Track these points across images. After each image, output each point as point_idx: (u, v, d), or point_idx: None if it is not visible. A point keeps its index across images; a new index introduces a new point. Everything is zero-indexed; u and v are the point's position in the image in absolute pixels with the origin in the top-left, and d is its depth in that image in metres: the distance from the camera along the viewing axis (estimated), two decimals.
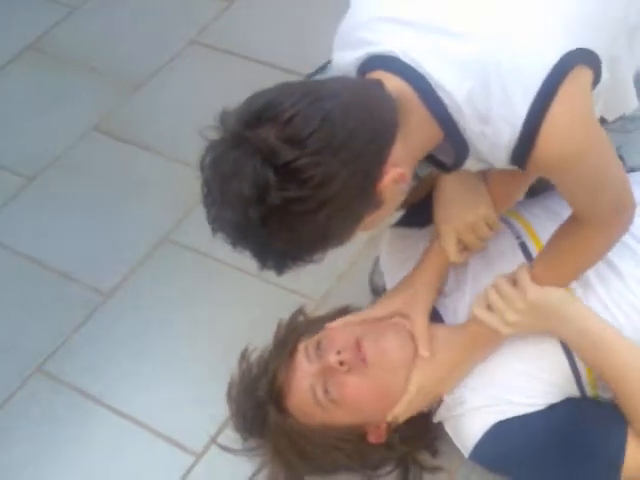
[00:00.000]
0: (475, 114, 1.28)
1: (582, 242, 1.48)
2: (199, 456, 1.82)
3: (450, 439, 1.67)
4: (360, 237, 1.98)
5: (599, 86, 1.34)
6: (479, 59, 1.26)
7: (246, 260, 2.11)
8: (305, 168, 1.14)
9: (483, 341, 1.60)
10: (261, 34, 2.71)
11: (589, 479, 1.57)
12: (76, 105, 2.63)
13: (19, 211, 2.36)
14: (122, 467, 1.83)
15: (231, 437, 1.80)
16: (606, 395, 1.62)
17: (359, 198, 1.22)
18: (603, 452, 1.54)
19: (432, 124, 1.32)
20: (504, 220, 1.71)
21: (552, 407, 1.59)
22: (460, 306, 1.68)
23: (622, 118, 1.59)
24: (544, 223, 1.67)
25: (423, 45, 1.29)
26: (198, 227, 2.18)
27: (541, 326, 1.55)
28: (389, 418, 1.63)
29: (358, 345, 1.59)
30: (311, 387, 1.60)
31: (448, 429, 1.67)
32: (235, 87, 2.22)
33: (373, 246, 1.99)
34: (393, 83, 1.28)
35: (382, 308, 1.69)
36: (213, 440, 1.81)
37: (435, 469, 1.70)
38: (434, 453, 1.71)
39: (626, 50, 1.39)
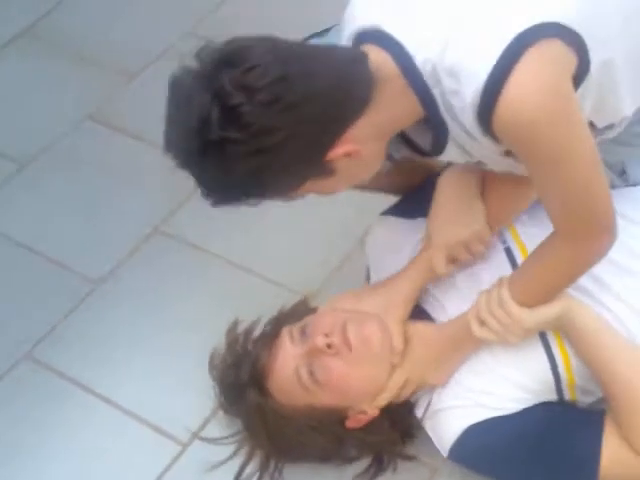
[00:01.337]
0: (447, 71, 1.30)
1: (553, 256, 1.47)
2: (185, 446, 1.82)
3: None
4: (354, 233, 2.02)
5: (588, 81, 1.34)
6: (447, 23, 1.30)
7: (237, 253, 2.14)
8: (246, 115, 1.22)
9: (468, 338, 1.61)
10: (257, 29, 2.69)
11: (566, 478, 1.59)
12: (70, 92, 2.62)
13: (10, 197, 2.35)
14: (109, 455, 1.83)
15: (217, 428, 1.81)
16: (586, 399, 1.64)
17: (300, 160, 1.28)
18: (579, 451, 1.56)
19: (411, 98, 1.34)
20: None
21: (527, 410, 1.60)
22: (448, 306, 1.69)
23: (632, 134, 1.59)
24: (529, 229, 1.68)
25: (396, 14, 1.34)
26: (189, 219, 2.23)
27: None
28: (368, 408, 1.64)
29: (344, 330, 1.61)
30: (296, 368, 1.61)
31: (427, 430, 1.68)
32: None
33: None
34: (376, 55, 1.32)
35: (364, 304, 1.69)
36: (196, 434, 1.82)
37: (410, 458, 1.72)
38: (411, 439, 1.73)
39: (624, 58, 1.38)
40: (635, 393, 1.52)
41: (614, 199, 1.42)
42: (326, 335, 1.60)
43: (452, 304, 1.68)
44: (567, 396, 1.63)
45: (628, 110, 1.45)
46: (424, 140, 1.46)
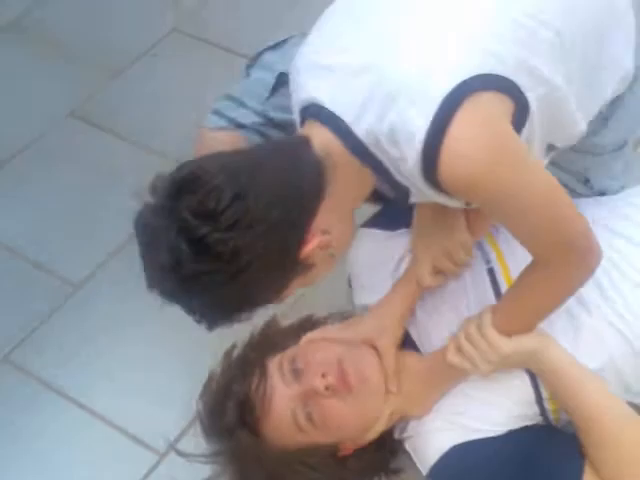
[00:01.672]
0: (386, 136, 1.28)
1: (536, 283, 1.45)
2: (163, 456, 1.81)
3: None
4: None
5: (531, 119, 1.33)
6: (376, 89, 1.28)
7: None
8: (216, 243, 1.21)
9: (452, 372, 1.60)
10: (242, 26, 2.68)
11: None
12: (53, 89, 2.60)
13: None
14: (85, 463, 1.82)
15: (195, 439, 1.72)
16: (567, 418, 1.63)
17: (278, 266, 1.28)
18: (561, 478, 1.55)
19: (364, 170, 1.33)
20: (477, 242, 1.70)
21: (510, 433, 1.59)
22: (433, 331, 1.68)
23: (590, 144, 1.58)
24: (513, 248, 1.63)
25: (334, 81, 1.32)
26: None
27: (514, 367, 1.57)
28: (359, 440, 1.63)
29: (341, 369, 1.58)
30: (292, 411, 1.57)
31: (408, 448, 1.67)
32: (214, 78, 2.22)
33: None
34: (321, 135, 1.31)
35: (351, 333, 1.68)
36: (172, 446, 1.77)
37: (396, 472, 1.71)
38: (395, 455, 1.71)
39: (565, 82, 1.36)
40: (605, 431, 1.51)
41: (595, 209, 1.43)
42: (323, 375, 1.57)
43: (435, 329, 1.67)
44: (550, 417, 1.62)
45: (583, 125, 1.45)
46: (388, 189, 1.44)
